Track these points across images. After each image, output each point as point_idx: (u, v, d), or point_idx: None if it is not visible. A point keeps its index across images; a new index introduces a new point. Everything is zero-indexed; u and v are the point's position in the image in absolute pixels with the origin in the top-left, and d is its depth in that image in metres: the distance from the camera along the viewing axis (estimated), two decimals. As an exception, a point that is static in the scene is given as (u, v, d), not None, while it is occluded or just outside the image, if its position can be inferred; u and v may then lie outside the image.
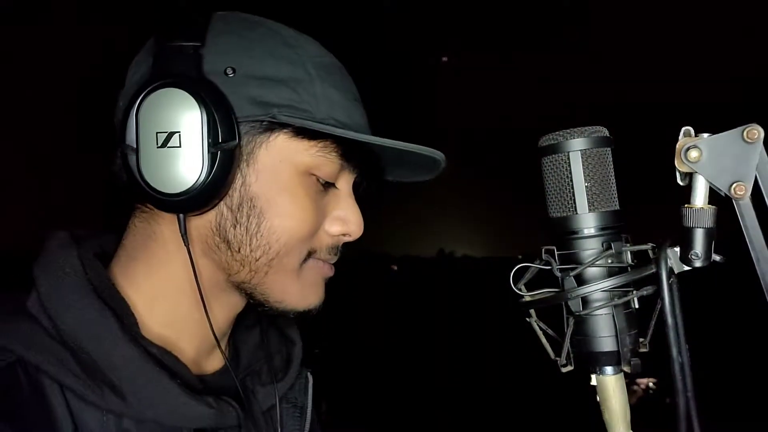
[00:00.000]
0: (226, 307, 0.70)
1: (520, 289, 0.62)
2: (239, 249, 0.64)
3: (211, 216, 0.64)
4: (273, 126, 0.63)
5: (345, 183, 0.70)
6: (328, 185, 0.68)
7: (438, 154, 0.68)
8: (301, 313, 0.69)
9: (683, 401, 0.55)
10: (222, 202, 0.63)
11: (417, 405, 5.51)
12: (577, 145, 0.59)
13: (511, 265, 0.61)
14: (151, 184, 0.60)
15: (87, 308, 0.60)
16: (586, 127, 0.59)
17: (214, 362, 0.72)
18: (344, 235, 0.70)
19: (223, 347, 0.71)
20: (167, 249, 0.66)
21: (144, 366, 0.60)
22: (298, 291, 0.67)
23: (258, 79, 0.62)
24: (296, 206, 0.64)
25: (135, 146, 0.60)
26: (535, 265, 0.62)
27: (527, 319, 0.63)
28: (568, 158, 0.59)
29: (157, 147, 0.59)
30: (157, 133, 0.59)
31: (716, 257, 0.56)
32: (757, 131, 0.54)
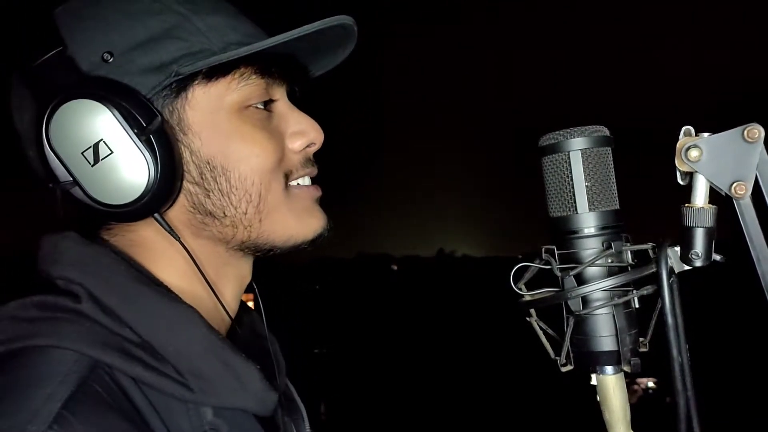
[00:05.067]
0: (235, 282, 0.69)
1: (520, 289, 0.62)
2: (224, 213, 0.62)
3: (181, 200, 0.62)
4: (183, 83, 0.60)
5: (281, 97, 0.68)
6: (268, 104, 0.66)
7: (344, 18, 0.63)
8: (312, 242, 0.68)
9: (683, 401, 0.55)
10: (184, 182, 0.61)
11: (417, 404, 5.51)
12: (577, 145, 0.59)
13: (511, 265, 0.61)
14: (110, 203, 0.57)
15: (157, 300, 0.59)
16: (587, 127, 0.59)
17: None
18: (309, 146, 0.68)
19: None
20: (157, 249, 0.64)
21: (224, 352, 0.59)
22: (297, 221, 0.66)
23: (138, 48, 0.59)
24: (252, 142, 0.62)
25: (71, 178, 0.57)
26: (535, 265, 0.62)
27: (527, 318, 0.62)
28: (569, 158, 0.59)
29: (92, 166, 0.57)
30: (82, 153, 0.57)
31: (716, 257, 0.56)
32: (757, 131, 0.54)
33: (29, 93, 0.59)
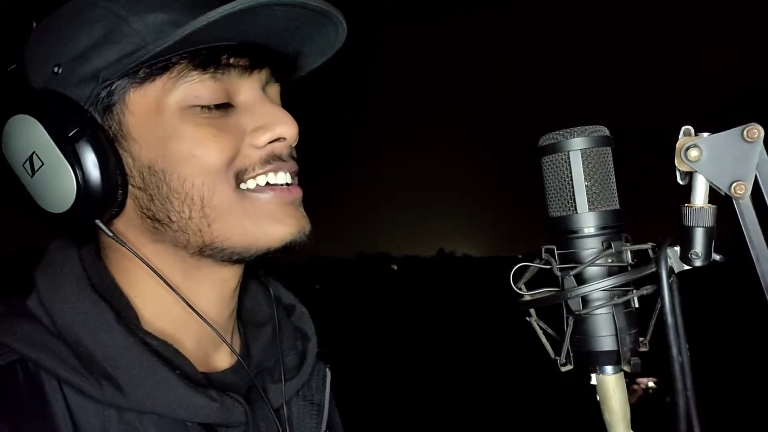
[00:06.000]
0: (211, 286, 0.67)
1: (520, 289, 0.62)
2: (170, 218, 0.62)
3: (131, 206, 0.63)
4: (120, 88, 0.60)
5: (249, 90, 0.63)
6: (223, 107, 0.62)
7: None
8: (282, 249, 0.64)
9: (683, 401, 0.55)
10: (129, 187, 0.62)
11: (417, 404, 5.51)
12: (577, 145, 0.58)
13: (511, 265, 0.61)
14: (52, 211, 0.60)
15: (82, 302, 0.60)
16: (586, 127, 0.59)
17: (224, 360, 0.71)
18: (277, 140, 0.63)
19: (228, 339, 0.70)
20: (120, 256, 0.65)
21: (140, 356, 0.59)
22: (256, 227, 0.63)
23: (80, 58, 0.59)
24: (191, 143, 0.60)
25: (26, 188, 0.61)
26: (535, 265, 0.62)
27: (527, 318, 0.62)
28: (568, 158, 0.59)
29: (32, 177, 0.60)
30: (23, 165, 0.60)
31: (716, 256, 0.56)
32: (757, 130, 0.54)
33: None
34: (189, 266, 0.65)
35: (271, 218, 0.63)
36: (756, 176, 0.55)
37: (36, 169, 0.59)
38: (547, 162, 0.60)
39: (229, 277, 0.68)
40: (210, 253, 0.63)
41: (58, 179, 0.58)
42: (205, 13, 0.55)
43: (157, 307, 0.65)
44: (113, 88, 0.60)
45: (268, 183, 0.64)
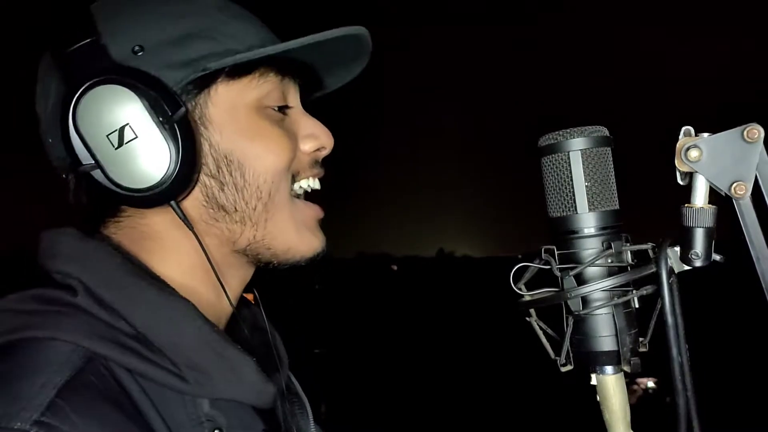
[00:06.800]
0: (236, 283, 0.70)
1: (520, 289, 0.62)
2: (236, 208, 0.64)
3: (196, 192, 0.64)
4: (207, 80, 0.63)
5: (294, 99, 0.70)
6: (283, 108, 0.69)
7: (360, 29, 0.68)
8: (310, 260, 0.70)
9: (683, 401, 0.55)
10: (201, 175, 0.63)
11: (417, 405, 5.51)
12: (577, 145, 0.59)
13: (511, 265, 0.61)
14: (129, 186, 0.59)
15: (152, 293, 0.59)
16: (586, 127, 0.59)
17: None
18: (319, 150, 0.71)
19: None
20: (166, 241, 0.65)
21: (226, 344, 0.60)
22: (298, 234, 0.68)
23: (169, 44, 0.61)
24: (269, 140, 0.65)
25: (93, 160, 0.59)
26: (535, 265, 0.62)
27: (527, 318, 0.63)
28: (568, 158, 0.59)
29: (116, 149, 0.59)
30: (107, 136, 0.58)
31: (716, 257, 0.56)
32: (757, 131, 0.54)
33: (59, 76, 0.61)
34: (226, 263, 0.67)
35: (309, 230, 0.70)
36: (756, 176, 0.55)
37: (125, 142, 0.58)
38: (547, 162, 0.60)
39: (248, 277, 0.72)
40: (251, 250, 0.67)
41: (150, 155, 0.59)
42: (299, 36, 0.64)
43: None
44: (204, 78, 0.62)
45: (310, 188, 0.71)
